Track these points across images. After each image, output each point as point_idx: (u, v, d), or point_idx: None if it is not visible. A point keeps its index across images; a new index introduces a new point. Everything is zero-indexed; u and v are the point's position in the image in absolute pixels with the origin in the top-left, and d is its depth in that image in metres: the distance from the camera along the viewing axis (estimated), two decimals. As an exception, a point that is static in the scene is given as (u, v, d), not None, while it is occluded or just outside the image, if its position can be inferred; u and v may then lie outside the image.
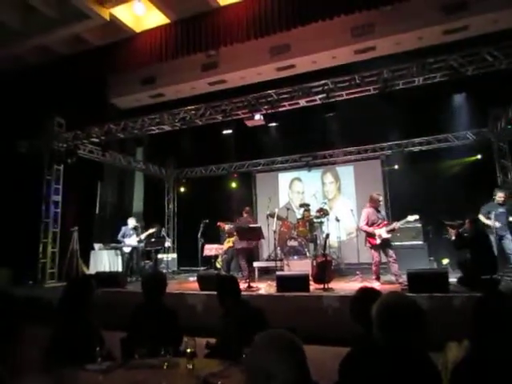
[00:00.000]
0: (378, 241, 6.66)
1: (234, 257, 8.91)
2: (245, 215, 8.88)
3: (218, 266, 10.07)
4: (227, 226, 9.90)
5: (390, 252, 6.61)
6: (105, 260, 10.33)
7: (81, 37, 8.10)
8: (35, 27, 7.68)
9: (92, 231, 11.55)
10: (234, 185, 12.68)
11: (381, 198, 6.97)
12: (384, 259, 6.77)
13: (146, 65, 8.22)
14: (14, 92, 8.89)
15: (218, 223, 10.14)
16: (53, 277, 9.55)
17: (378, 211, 6.93)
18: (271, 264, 9.30)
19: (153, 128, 9.45)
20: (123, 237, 10.09)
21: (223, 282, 3.37)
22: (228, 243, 9.68)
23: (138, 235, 10.15)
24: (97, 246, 10.70)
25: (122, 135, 9.75)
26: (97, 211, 12.15)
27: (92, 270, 9.93)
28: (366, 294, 2.49)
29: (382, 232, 6.67)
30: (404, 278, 6.01)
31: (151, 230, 10.45)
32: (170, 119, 9.05)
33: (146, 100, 9.56)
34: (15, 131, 9.46)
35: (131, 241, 10.17)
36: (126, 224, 10.23)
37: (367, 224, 6.78)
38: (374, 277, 6.78)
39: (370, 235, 6.76)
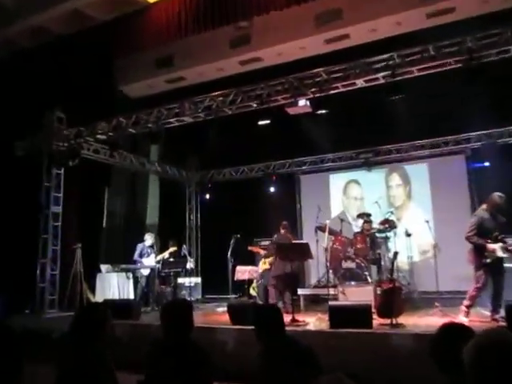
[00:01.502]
0: (489, 259, 6.34)
1: (273, 282, 8.95)
2: (282, 231, 9.03)
3: (253, 293, 10.23)
4: (262, 251, 10.09)
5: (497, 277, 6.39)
6: (114, 285, 10.66)
7: (82, 12, 8.34)
8: (30, 4, 8.02)
9: (98, 249, 11.95)
10: (272, 190, 12.81)
11: (501, 201, 6.52)
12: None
13: (162, 43, 8.39)
14: (6, 82, 9.35)
15: (250, 247, 10.31)
16: (53, 305, 9.92)
17: (495, 218, 6.54)
18: (321, 291, 9.38)
19: (171, 120, 9.62)
20: (140, 256, 10.46)
21: (262, 312, 3.37)
22: (265, 264, 9.76)
23: (156, 255, 10.51)
24: (104, 267, 11.04)
25: (133, 130, 10.02)
26: (104, 224, 12.56)
27: (99, 297, 10.28)
28: (454, 332, 2.36)
29: (497, 248, 6.33)
30: (502, 313, 5.91)
31: (173, 249, 10.77)
32: (192, 109, 9.23)
33: (161, 86, 9.76)
34: (8, 130, 9.98)
35: (149, 261, 10.49)
36: (141, 240, 10.57)
37: (476, 234, 6.39)
38: (464, 308, 6.57)
39: (479, 250, 6.39)
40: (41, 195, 10.14)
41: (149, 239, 10.50)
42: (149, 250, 10.43)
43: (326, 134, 10.82)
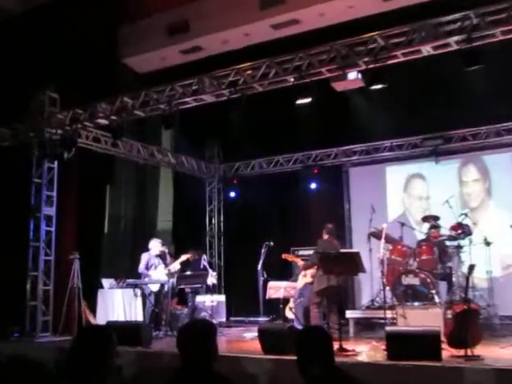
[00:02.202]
0: None
1: (316, 299, 8.95)
2: (326, 237, 9.04)
3: (290, 315, 10.09)
4: (300, 261, 10.07)
5: None
6: (118, 303, 10.82)
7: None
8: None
9: (99, 260, 12.07)
10: (313, 186, 12.82)
11: None
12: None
13: (175, 5, 8.42)
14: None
15: (285, 255, 10.33)
16: (46, 328, 10.06)
17: None
18: (376, 314, 9.33)
19: (187, 100, 9.60)
20: (147, 268, 10.42)
21: (307, 337, 3.34)
22: (305, 277, 9.73)
23: (166, 265, 10.56)
24: (107, 282, 11.18)
25: (141, 113, 10.07)
26: (105, 229, 12.69)
27: (100, 319, 10.40)
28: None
29: None
30: None
31: (184, 257, 10.81)
32: (214, 85, 9.24)
33: (175, 58, 9.80)
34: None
35: (158, 274, 10.56)
36: (147, 249, 10.64)
37: None
38: None
39: None
40: (30, 194, 10.31)
41: (154, 247, 10.56)
42: (156, 261, 10.53)
43: (382, 115, 10.75)
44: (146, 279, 10.41)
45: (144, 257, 10.52)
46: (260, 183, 13.27)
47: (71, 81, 10.29)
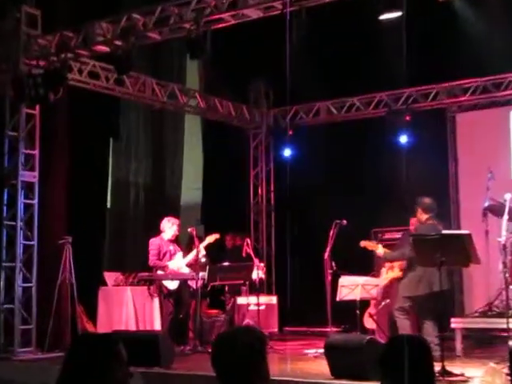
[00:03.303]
0: None
1: (406, 303, 8.97)
2: (423, 216, 9.05)
3: (369, 324, 10.29)
4: (382, 249, 9.79)
5: None
6: (127, 306, 10.96)
7: None
8: None
9: (101, 245, 12.33)
10: (403, 140, 12.52)
11: None
12: None
13: None
14: None
15: (364, 243, 10.12)
16: (28, 340, 10.15)
17: None
18: (495, 323, 9.18)
19: (222, 17, 9.61)
20: (159, 257, 10.60)
21: (396, 355, 3.27)
22: (392, 271, 9.78)
23: (189, 252, 10.66)
24: (110, 277, 11.48)
25: (156, 36, 10.09)
26: (108, 203, 12.93)
27: (102, 327, 10.61)
28: None
29: None
30: None
31: (212, 238, 10.80)
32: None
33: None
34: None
35: (175, 264, 10.67)
36: (156, 233, 10.76)
37: None
38: None
39: None
40: (2, 153, 10.48)
41: (168, 229, 10.70)
42: (171, 248, 10.71)
43: (505, 36, 10.62)
44: (162, 272, 10.54)
45: (153, 244, 10.66)
46: (327, 136, 13.29)
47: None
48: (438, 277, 7.87)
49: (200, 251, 10.53)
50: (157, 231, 10.81)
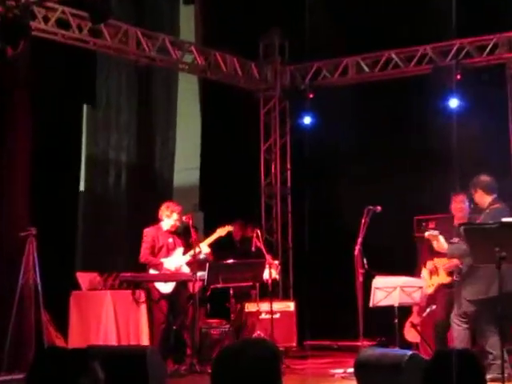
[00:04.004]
0: None
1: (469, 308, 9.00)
2: (482, 196, 9.12)
3: (411, 336, 10.31)
4: (443, 242, 9.58)
5: None
6: (107, 314, 10.97)
7: None
8: None
9: (73, 239, 12.32)
10: (453, 103, 12.49)
11: None
12: None
13: None
14: None
15: (429, 234, 9.79)
16: None
17: None
18: None
19: None
20: (154, 254, 10.64)
21: (443, 373, 3.35)
22: (437, 278, 9.73)
23: (190, 248, 10.62)
24: (85, 278, 11.45)
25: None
26: (82, 185, 12.91)
27: (75, 341, 10.64)
28: None
29: None
30: None
31: (223, 231, 10.86)
32: None
33: None
34: None
35: (173, 263, 10.67)
36: (152, 222, 10.78)
37: None
38: None
39: None
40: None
41: (168, 218, 10.75)
42: (170, 241, 10.77)
43: None
44: (155, 273, 10.52)
45: (147, 235, 10.67)
46: (357, 99, 13.13)
47: None
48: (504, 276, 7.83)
49: (200, 247, 10.51)
50: (144, 220, 10.80)
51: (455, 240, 9.03)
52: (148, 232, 10.64)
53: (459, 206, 9.53)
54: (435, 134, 12.33)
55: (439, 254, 9.63)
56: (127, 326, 11.11)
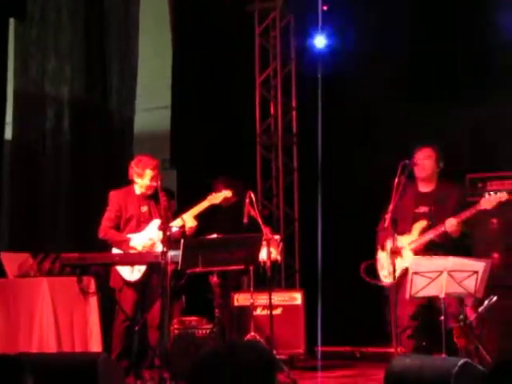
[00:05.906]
0: None
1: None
2: None
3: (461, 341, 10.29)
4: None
5: None
6: (43, 310, 10.93)
7: None
8: None
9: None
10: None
11: None
12: None
13: None
14: None
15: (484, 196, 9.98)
16: None
17: None
18: None
19: None
20: (118, 224, 10.72)
21: None
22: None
23: (167, 221, 10.40)
24: (12, 260, 11.38)
25: None
26: (8, 133, 12.92)
27: (2, 346, 10.64)
28: None
29: None
30: None
31: (220, 196, 11.20)
32: None
33: None
34: None
35: (142, 238, 10.71)
36: (120, 183, 10.85)
37: None
38: None
39: None
40: None
41: (139, 177, 10.75)
42: (144, 210, 10.79)
43: None
44: (118, 252, 10.32)
45: (113, 200, 10.76)
46: (391, 15, 13.01)
47: None
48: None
49: (188, 222, 10.86)
50: (94, 182, 10.80)
51: None
52: (114, 196, 10.56)
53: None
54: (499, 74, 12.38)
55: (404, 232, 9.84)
56: (71, 325, 10.69)
